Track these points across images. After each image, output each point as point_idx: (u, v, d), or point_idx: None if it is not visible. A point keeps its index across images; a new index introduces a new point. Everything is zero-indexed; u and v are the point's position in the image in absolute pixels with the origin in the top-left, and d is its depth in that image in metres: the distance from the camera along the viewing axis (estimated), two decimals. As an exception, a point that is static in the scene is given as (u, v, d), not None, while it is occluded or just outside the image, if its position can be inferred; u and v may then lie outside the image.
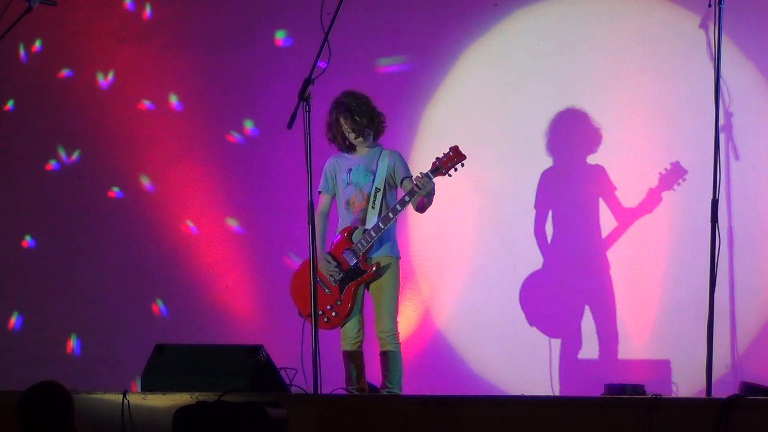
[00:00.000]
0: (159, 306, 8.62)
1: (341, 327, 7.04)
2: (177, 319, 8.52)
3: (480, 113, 8.22)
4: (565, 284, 8.02)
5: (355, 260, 6.99)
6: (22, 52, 8.79)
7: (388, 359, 6.99)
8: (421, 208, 7.06)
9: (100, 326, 8.64)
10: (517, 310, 8.04)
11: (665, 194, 7.88)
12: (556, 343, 7.99)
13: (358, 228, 7.04)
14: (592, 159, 8.02)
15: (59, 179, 8.81)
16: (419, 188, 6.87)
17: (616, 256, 7.95)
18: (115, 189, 8.74)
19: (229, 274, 8.56)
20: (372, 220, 7.00)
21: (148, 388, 6.23)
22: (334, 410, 5.91)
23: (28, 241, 8.85)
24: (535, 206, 8.07)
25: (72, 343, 8.64)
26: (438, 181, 6.92)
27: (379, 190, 7.03)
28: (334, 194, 7.18)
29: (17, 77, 8.90)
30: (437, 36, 8.29)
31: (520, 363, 8.00)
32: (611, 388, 6.93)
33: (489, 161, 8.07)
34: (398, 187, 7.11)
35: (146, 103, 8.73)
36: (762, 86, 7.86)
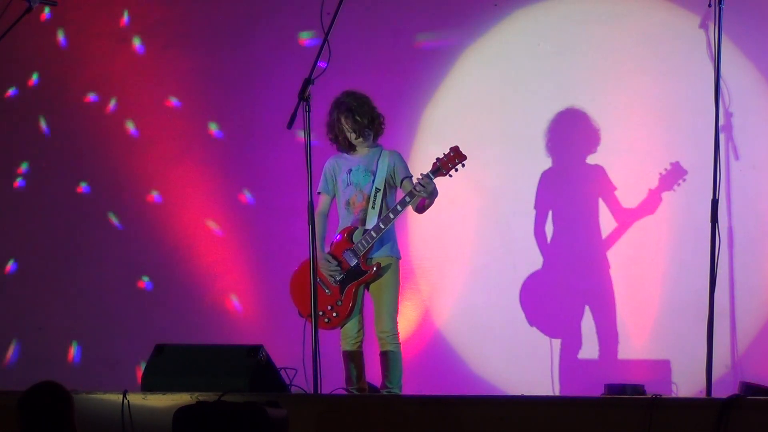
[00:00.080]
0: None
1: (341, 327, 7.04)
2: (177, 319, 8.52)
3: (480, 113, 8.22)
4: (565, 284, 8.02)
5: (356, 260, 6.99)
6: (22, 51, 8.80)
7: (388, 359, 6.99)
8: (421, 208, 7.06)
9: (100, 326, 8.64)
10: (517, 310, 8.04)
11: (665, 194, 7.88)
12: (556, 343, 8.00)
13: (358, 228, 7.04)
14: (592, 159, 8.02)
15: (59, 179, 8.81)
16: (418, 190, 6.87)
17: (616, 256, 7.95)
18: (115, 189, 8.73)
19: (229, 274, 8.56)
20: (372, 221, 7.00)
21: (148, 388, 6.23)
22: (334, 410, 5.91)
23: (28, 241, 8.85)
24: (535, 206, 8.07)
25: (72, 351, 8.63)
26: (438, 181, 6.93)
27: (379, 190, 7.03)
28: (334, 195, 7.18)
29: (17, 77, 8.90)
30: (437, 36, 8.29)
31: (520, 363, 8.00)
32: (611, 388, 6.93)
33: (489, 161, 8.07)
34: (398, 188, 7.11)
35: (146, 103, 8.73)
36: (762, 86, 7.86)
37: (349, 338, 7.03)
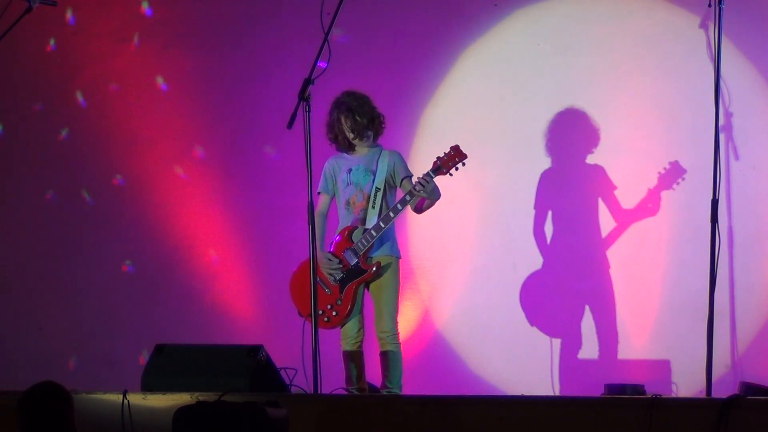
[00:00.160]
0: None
1: (341, 327, 7.04)
2: (177, 319, 8.52)
3: (480, 113, 8.22)
4: (565, 284, 8.02)
5: (356, 260, 7.00)
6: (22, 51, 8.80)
7: (388, 359, 6.99)
8: (420, 209, 7.07)
9: (100, 326, 8.64)
10: (517, 310, 8.04)
11: (665, 194, 7.88)
12: (556, 343, 8.00)
13: (357, 227, 7.04)
14: (591, 159, 8.02)
15: (58, 179, 8.81)
16: (418, 189, 6.87)
17: (615, 255, 7.96)
18: (115, 189, 8.73)
19: (229, 274, 8.56)
20: (372, 220, 7.00)
21: (148, 388, 6.23)
22: (334, 410, 5.91)
23: (28, 241, 8.85)
24: (535, 206, 8.07)
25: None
26: (438, 180, 6.93)
27: (379, 189, 7.03)
28: (334, 195, 7.18)
29: (18, 77, 8.90)
30: (437, 36, 8.29)
31: (520, 363, 8.00)
32: (611, 388, 6.93)
33: (489, 161, 8.07)
34: (398, 188, 7.11)
35: (146, 103, 8.73)
36: (762, 86, 7.86)
37: (349, 338, 7.04)
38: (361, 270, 7.00)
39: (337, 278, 7.02)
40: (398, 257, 7.10)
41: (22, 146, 8.89)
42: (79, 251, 8.75)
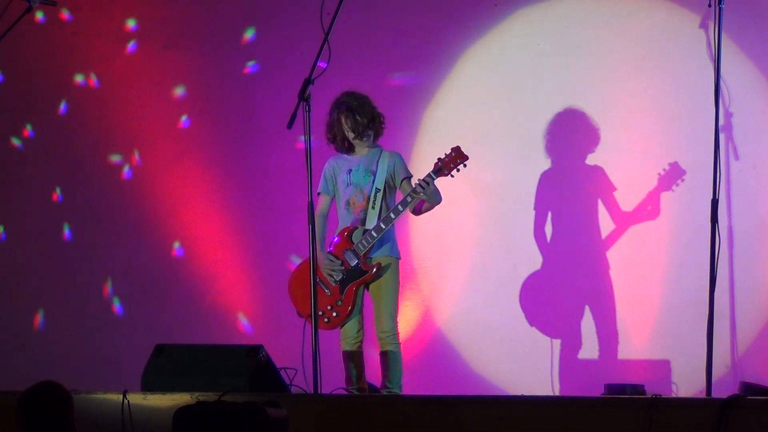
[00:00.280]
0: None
1: (341, 327, 7.04)
2: (177, 319, 8.52)
3: (480, 113, 8.22)
4: (565, 284, 8.02)
5: (356, 260, 6.99)
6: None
7: (388, 359, 6.99)
8: (419, 211, 7.06)
9: (100, 326, 8.64)
10: (517, 310, 8.04)
11: (665, 194, 7.88)
12: (556, 343, 8.00)
13: (357, 228, 7.03)
14: (591, 159, 8.02)
15: (58, 179, 8.81)
16: (418, 191, 6.87)
17: (615, 256, 7.95)
18: (115, 189, 8.73)
19: (229, 274, 8.56)
20: (372, 221, 6.99)
21: (148, 388, 6.23)
22: (334, 410, 5.91)
23: (28, 241, 8.85)
24: (535, 206, 8.07)
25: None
26: (438, 181, 6.93)
27: (380, 190, 7.03)
28: (334, 195, 7.18)
29: (17, 77, 8.91)
30: (437, 36, 8.29)
31: (520, 363, 8.00)
32: (611, 388, 6.93)
33: (489, 161, 8.07)
34: (398, 189, 7.11)
35: (146, 103, 8.73)
36: (762, 86, 7.86)
37: (349, 338, 7.03)
38: (362, 271, 7.00)
39: (337, 279, 7.01)
40: (398, 258, 7.09)
41: (22, 146, 8.89)
42: (79, 251, 8.75)
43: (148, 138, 8.71)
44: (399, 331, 7.06)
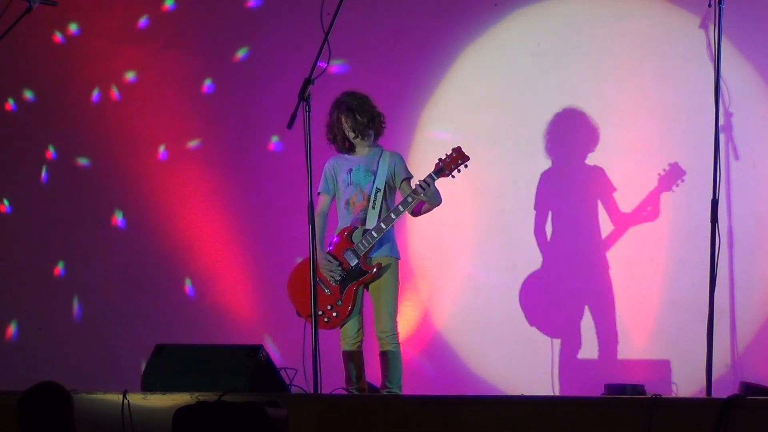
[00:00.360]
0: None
1: (341, 327, 7.04)
2: (177, 319, 8.52)
3: (480, 113, 8.22)
4: (565, 284, 8.02)
5: (357, 260, 6.99)
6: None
7: (387, 359, 6.99)
8: (417, 212, 7.06)
9: (100, 326, 8.64)
10: (516, 310, 8.04)
11: (665, 195, 7.88)
12: (556, 343, 8.00)
13: (357, 228, 7.03)
14: (591, 159, 8.02)
15: (58, 179, 8.81)
16: (418, 192, 6.88)
17: (615, 256, 7.95)
18: (115, 189, 8.73)
19: (229, 274, 8.56)
20: (372, 220, 6.99)
21: (148, 388, 6.23)
22: (334, 410, 5.91)
23: (28, 240, 8.85)
24: (535, 206, 8.07)
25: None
26: (438, 181, 6.93)
27: (380, 190, 7.03)
28: (334, 195, 7.18)
29: (17, 77, 8.90)
30: (437, 36, 8.29)
31: (520, 363, 8.00)
32: (611, 388, 6.93)
33: (488, 161, 8.07)
34: (397, 189, 7.11)
35: (146, 103, 8.72)
36: (762, 87, 7.86)
37: (349, 338, 7.03)
38: (362, 271, 7.00)
39: (337, 279, 7.01)
40: (397, 258, 7.09)
41: (21, 145, 8.89)
42: (78, 251, 8.75)
43: (148, 138, 8.70)
44: (399, 331, 7.06)
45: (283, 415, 5.16)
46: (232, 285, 8.55)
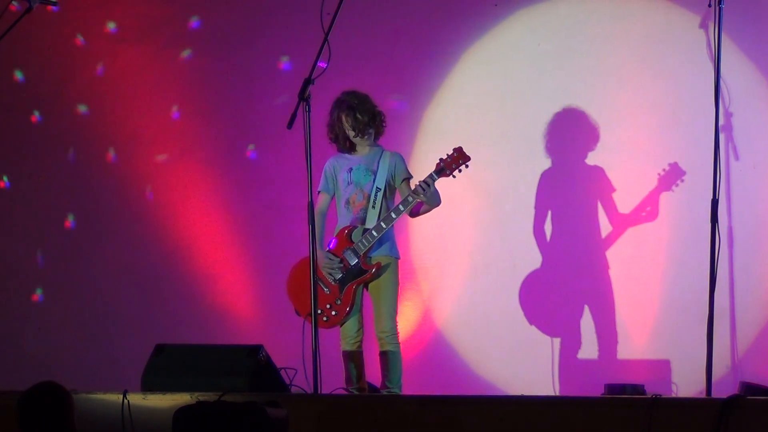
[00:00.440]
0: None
1: (340, 326, 7.04)
2: (177, 319, 8.52)
3: (480, 113, 8.22)
4: (565, 284, 8.02)
5: (356, 260, 6.99)
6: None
7: (387, 359, 6.99)
8: (416, 213, 7.07)
9: (100, 326, 8.64)
10: (516, 310, 8.04)
11: (665, 195, 7.88)
12: (556, 342, 8.00)
13: (357, 227, 7.03)
14: (591, 159, 8.02)
15: (57, 179, 8.81)
16: (418, 192, 6.88)
17: (615, 255, 7.96)
18: (116, 189, 8.73)
19: (229, 274, 8.56)
20: (372, 220, 7.00)
21: (148, 388, 6.23)
22: (334, 410, 5.91)
23: (27, 240, 8.85)
24: (535, 206, 8.07)
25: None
26: (438, 181, 6.93)
27: (380, 189, 7.03)
28: (334, 194, 7.18)
29: (17, 77, 8.91)
30: (438, 36, 8.29)
31: (520, 363, 8.00)
32: (611, 388, 6.93)
33: (489, 161, 8.07)
34: (397, 189, 7.11)
35: (146, 103, 8.73)
36: (762, 86, 7.86)
37: (349, 338, 7.03)
38: (362, 270, 7.00)
39: (337, 278, 7.01)
40: (397, 258, 7.09)
41: (22, 145, 8.89)
42: (79, 251, 8.75)
43: (148, 138, 8.70)
44: (399, 331, 7.06)
45: (283, 415, 5.16)
46: (232, 285, 8.55)
